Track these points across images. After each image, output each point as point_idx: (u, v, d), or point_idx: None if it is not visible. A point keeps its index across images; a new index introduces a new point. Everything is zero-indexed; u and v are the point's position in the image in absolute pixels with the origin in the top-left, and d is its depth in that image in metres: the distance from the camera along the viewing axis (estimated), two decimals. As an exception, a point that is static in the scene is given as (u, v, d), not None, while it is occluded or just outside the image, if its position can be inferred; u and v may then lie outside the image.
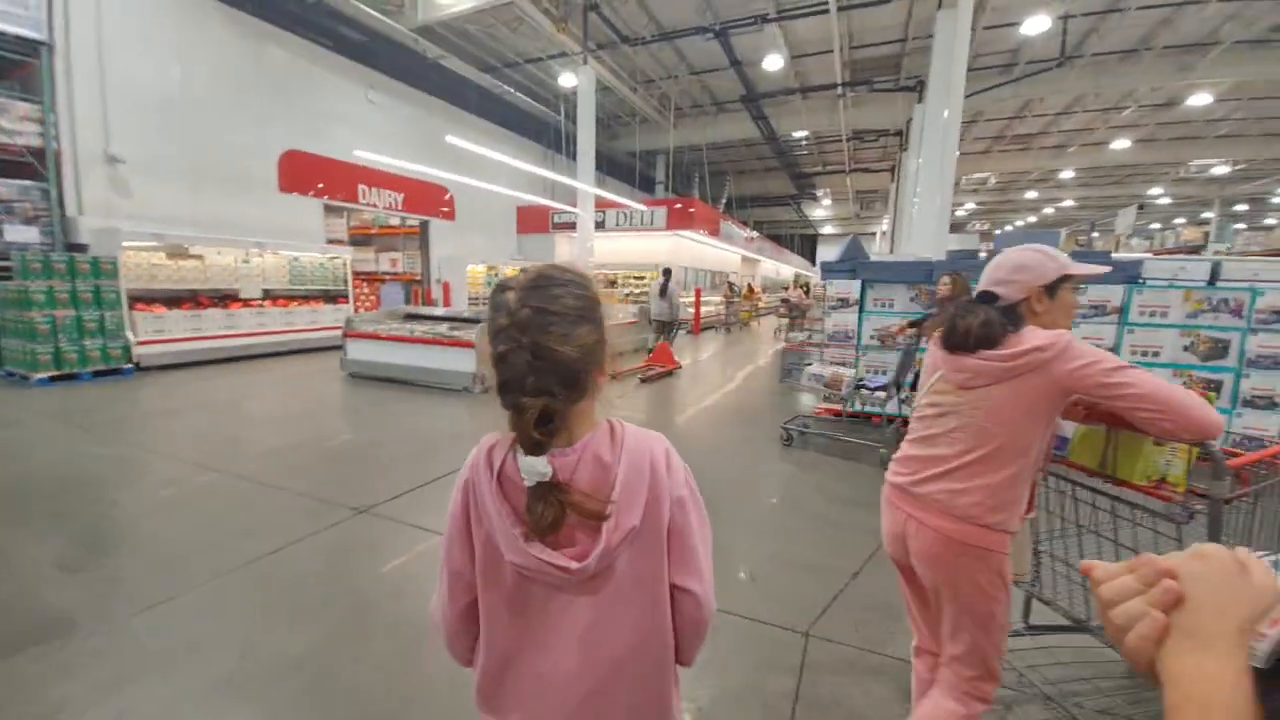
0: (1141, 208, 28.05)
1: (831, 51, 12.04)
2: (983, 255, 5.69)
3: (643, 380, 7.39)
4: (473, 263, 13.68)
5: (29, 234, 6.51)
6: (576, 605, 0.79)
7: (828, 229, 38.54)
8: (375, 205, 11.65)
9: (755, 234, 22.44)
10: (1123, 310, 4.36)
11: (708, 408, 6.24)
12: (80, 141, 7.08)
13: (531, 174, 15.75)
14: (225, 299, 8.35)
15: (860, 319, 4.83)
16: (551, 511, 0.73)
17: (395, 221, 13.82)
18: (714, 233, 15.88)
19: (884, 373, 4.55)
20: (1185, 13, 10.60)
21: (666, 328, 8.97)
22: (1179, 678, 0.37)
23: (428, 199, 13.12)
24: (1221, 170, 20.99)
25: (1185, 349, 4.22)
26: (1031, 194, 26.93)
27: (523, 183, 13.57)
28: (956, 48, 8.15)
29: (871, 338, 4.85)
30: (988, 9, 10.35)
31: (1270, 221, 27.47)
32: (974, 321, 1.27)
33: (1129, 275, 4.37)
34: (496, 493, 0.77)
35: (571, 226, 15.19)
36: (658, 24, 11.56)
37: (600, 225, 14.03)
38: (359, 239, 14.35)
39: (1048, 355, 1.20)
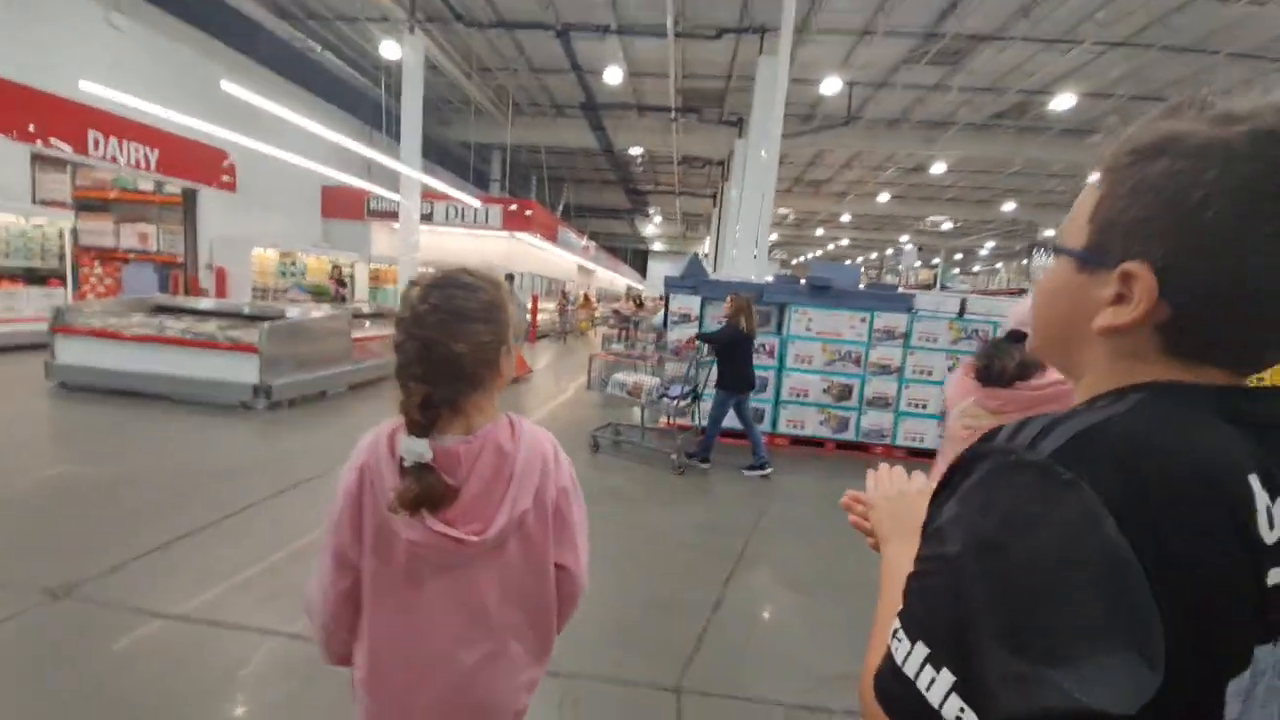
0: (894, 251, 34.92)
1: (667, 76, 12.66)
2: (769, 279, 6.33)
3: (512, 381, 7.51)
4: (262, 246, 11.41)
5: None
6: (466, 582, 0.85)
7: (657, 245, 40.81)
8: (115, 160, 8.98)
9: (593, 243, 22.66)
10: (906, 336, 5.15)
11: (539, 420, 5.91)
12: None
13: (343, 150, 13.78)
14: None
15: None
16: (414, 490, 0.77)
17: (148, 186, 10.84)
18: (552, 238, 15.58)
19: (679, 383, 4.76)
20: (934, 94, 13.29)
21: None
22: (883, 560, 0.63)
23: (196, 161, 10.54)
24: (947, 226, 26.92)
25: (949, 369, 5.11)
26: (820, 231, 31.76)
27: (332, 159, 11.71)
28: (775, 93, 9.07)
29: (666, 347, 5.02)
30: (796, 64, 11.81)
31: (977, 269, 36.25)
32: (1010, 363, 1.41)
33: (907, 307, 5.19)
34: (398, 474, 0.80)
35: (392, 215, 13.59)
36: (495, 9, 10.93)
37: (428, 218, 12.77)
38: (91, 203, 10.94)
39: (1067, 387, 1.34)
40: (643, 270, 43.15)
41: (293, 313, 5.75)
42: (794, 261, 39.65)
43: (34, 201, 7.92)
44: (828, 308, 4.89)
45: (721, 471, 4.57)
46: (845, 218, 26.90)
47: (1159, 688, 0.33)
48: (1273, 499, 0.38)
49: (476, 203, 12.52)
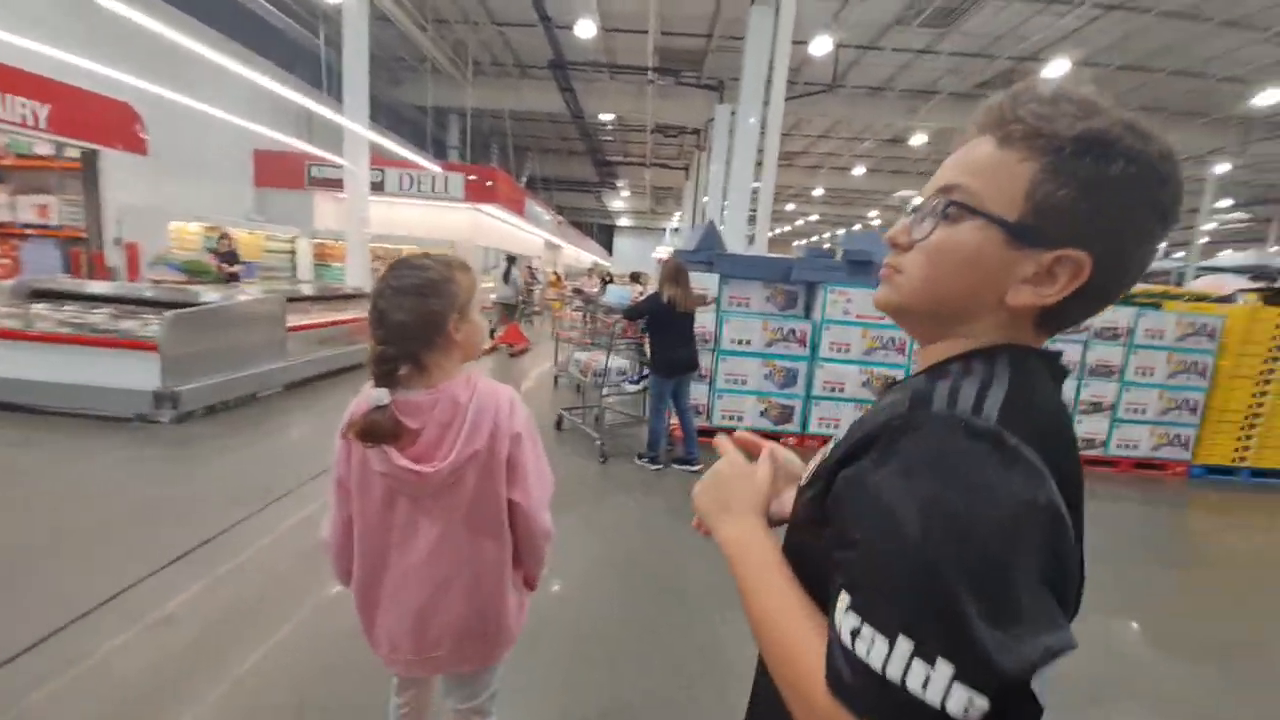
0: (861, 227, 34.81)
1: (644, 32, 11.58)
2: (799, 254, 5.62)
3: (511, 355, 8.81)
4: (182, 218, 9.89)
5: None
6: (433, 513, 1.05)
7: (624, 221, 39.54)
8: (-9, 116, 7.38)
9: (560, 218, 21.40)
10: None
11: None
12: None
13: (279, 110, 12.16)
14: None
15: (719, 320, 4.14)
16: (360, 425, 0.98)
17: (46, 150, 9.19)
18: (519, 211, 14.36)
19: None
20: (921, 59, 12.65)
21: (510, 309, 9.62)
22: (722, 545, 0.57)
23: (95, 116, 8.89)
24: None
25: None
26: (790, 206, 31.22)
27: (266, 120, 10.19)
28: (771, 49, 8.19)
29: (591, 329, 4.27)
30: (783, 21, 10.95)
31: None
32: None
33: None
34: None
35: (337, 184, 12.13)
36: (452, -51, 9.60)
37: (378, 187, 11.41)
38: (-21, 171, 9.21)
39: None
40: (609, 246, 42.01)
41: (210, 297, 4.64)
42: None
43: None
44: (869, 286, 4.15)
45: (676, 476, 3.88)
46: (818, 191, 26.39)
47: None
48: None
49: (436, 168, 11.20)
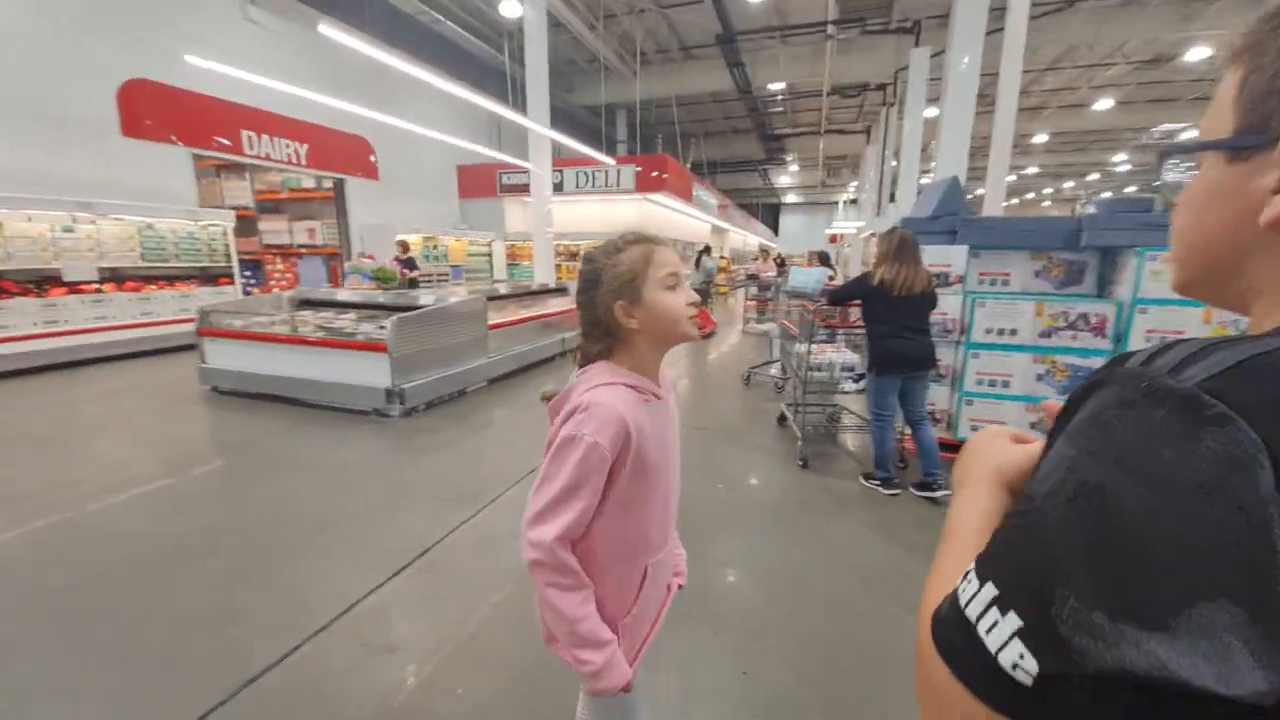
0: (1101, 176, 28.11)
1: (823, -18, 10.38)
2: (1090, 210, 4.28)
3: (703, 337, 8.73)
4: (404, 232, 11.43)
5: None
6: None
7: (791, 198, 37.33)
8: (268, 158, 9.19)
9: (727, 200, 20.76)
10: None
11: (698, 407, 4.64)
12: None
13: (473, 126, 13.50)
14: (42, 283, 6.04)
15: (970, 305, 3.24)
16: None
17: (310, 184, 11.35)
18: (686, 197, 14.09)
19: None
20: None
21: (704, 296, 10.31)
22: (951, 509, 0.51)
23: (341, 151, 10.69)
24: (1189, 134, 20.67)
25: None
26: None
27: (464, 135, 11.30)
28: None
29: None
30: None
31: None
32: None
33: None
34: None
35: (523, 189, 13.06)
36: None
37: (558, 187, 12.00)
38: (268, 205, 11.80)
39: None
40: (774, 226, 40.09)
41: (426, 300, 5.05)
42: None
43: (210, 205, 8.30)
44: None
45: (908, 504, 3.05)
46: (1039, 138, 21.80)
47: None
48: None
49: (611, 161, 11.39)
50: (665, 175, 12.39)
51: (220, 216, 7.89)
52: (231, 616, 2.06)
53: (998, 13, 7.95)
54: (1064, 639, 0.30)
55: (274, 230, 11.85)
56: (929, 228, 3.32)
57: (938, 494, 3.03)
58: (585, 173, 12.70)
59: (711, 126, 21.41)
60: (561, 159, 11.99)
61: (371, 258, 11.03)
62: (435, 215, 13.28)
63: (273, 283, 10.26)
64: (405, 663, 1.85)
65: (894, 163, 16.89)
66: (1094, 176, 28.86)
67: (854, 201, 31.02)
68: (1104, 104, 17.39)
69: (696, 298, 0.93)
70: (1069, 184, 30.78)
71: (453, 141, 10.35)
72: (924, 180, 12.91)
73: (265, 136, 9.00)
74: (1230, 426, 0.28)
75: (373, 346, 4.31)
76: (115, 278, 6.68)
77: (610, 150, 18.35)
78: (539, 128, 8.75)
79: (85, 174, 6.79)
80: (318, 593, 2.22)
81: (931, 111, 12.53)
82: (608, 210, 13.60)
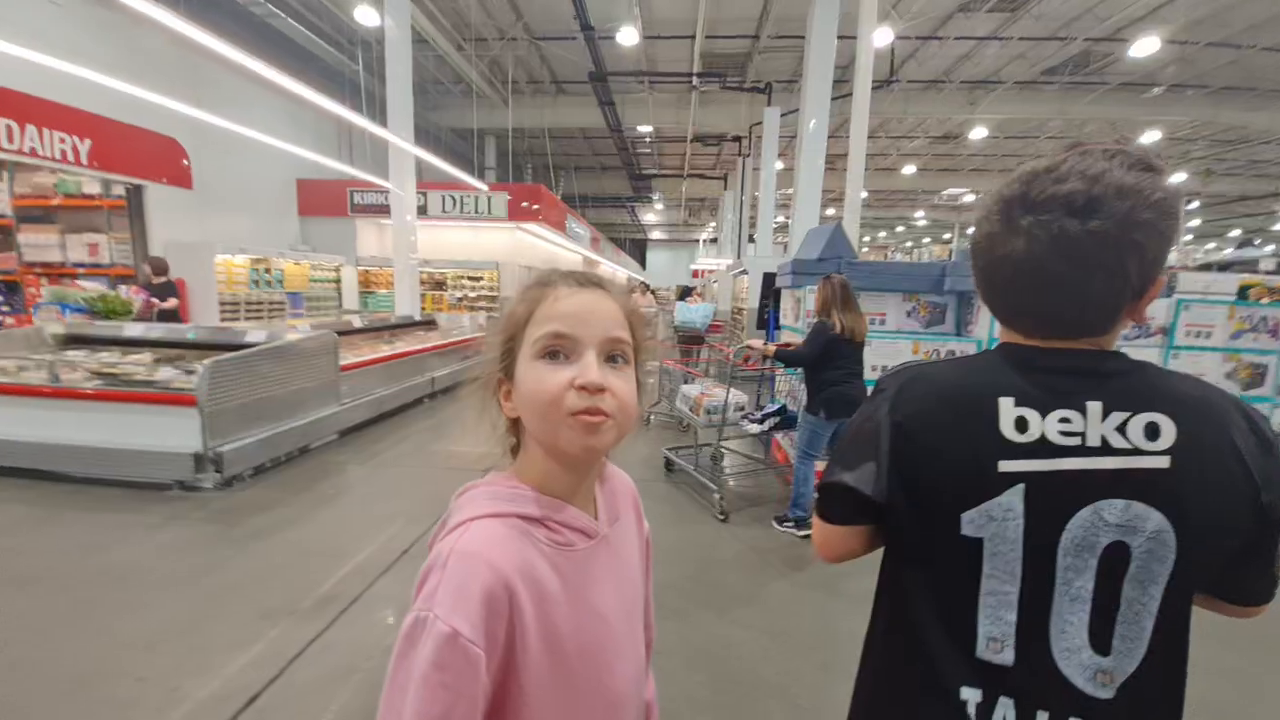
0: (903, 229, 33.52)
1: (688, 37, 11.06)
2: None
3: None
4: (225, 252, 9.68)
5: None
6: None
7: (656, 234, 39.14)
8: (33, 153, 7.22)
9: (598, 234, 20.99)
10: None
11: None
12: None
13: (319, 137, 12.07)
14: None
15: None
16: None
17: (95, 189, 9.14)
18: (560, 228, 13.90)
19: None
20: (986, 47, 11.76)
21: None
22: None
23: (140, 151, 8.77)
24: (968, 198, 25.43)
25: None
26: (830, 210, 30.23)
27: (307, 146, 9.96)
28: (859, 41, 7.51)
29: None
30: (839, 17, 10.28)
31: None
32: None
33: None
34: None
35: (380, 210, 11.86)
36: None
37: (422, 211, 11.07)
38: (33, 214, 9.22)
39: None
40: (641, 260, 41.61)
41: (254, 337, 4.13)
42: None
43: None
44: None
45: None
46: (860, 195, 25.35)
47: (916, 492, 0.64)
48: (1043, 413, 0.60)
49: (483, 186, 10.78)
50: (538, 205, 12.10)
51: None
52: None
53: (839, 84, 9.05)
54: (829, 475, 0.71)
55: (40, 245, 9.32)
56: (815, 269, 3.44)
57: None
58: (453, 197, 11.94)
59: (582, 161, 21.68)
60: (425, 181, 11.13)
61: (179, 283, 9.17)
62: (268, 234, 11.49)
63: (34, 311, 7.90)
64: None
65: (750, 208, 18.47)
66: (899, 229, 34.23)
67: (714, 240, 33.30)
68: (908, 169, 20.78)
69: (594, 377, 0.54)
70: (881, 234, 36.27)
71: (293, 150, 9.05)
72: (775, 224, 14.20)
73: (30, 126, 7.06)
74: (882, 392, 0.69)
75: (175, 399, 3.35)
76: None
77: (479, 176, 17.62)
78: (403, 143, 8.00)
79: None
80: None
81: (779, 164, 13.92)
82: (478, 238, 12.90)
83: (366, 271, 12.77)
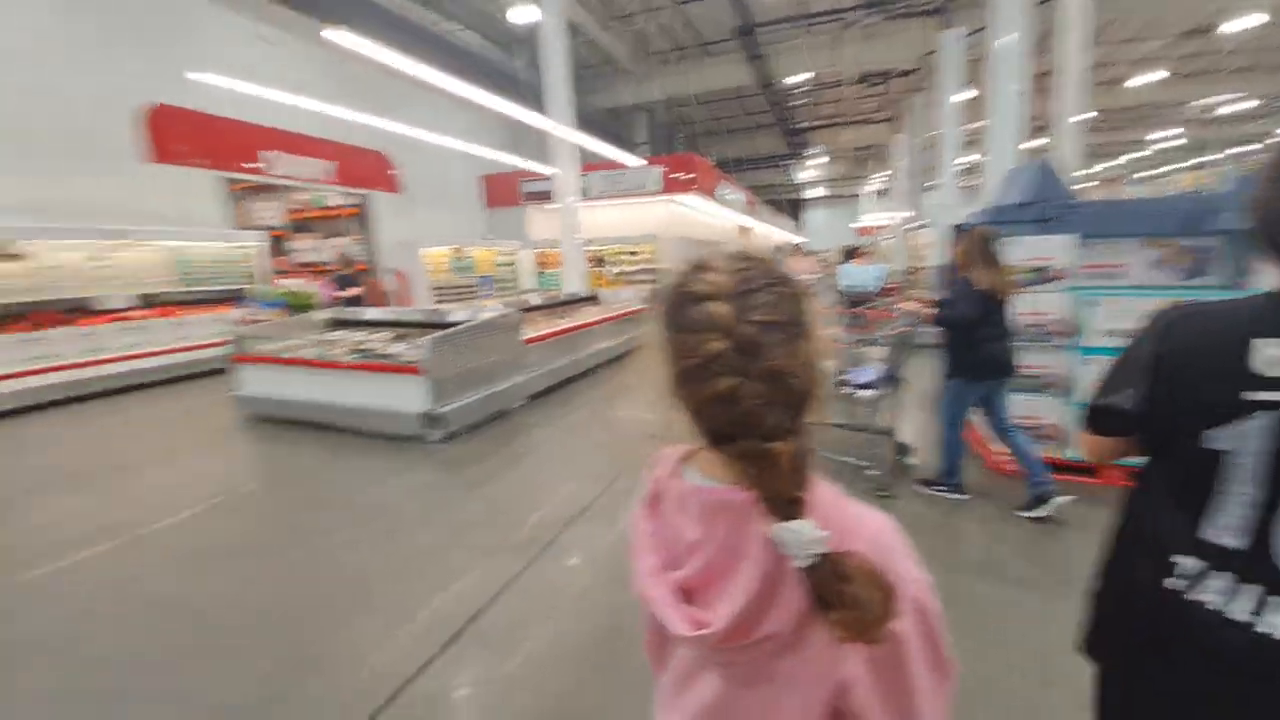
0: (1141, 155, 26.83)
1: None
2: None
3: None
4: (430, 245, 11.32)
5: None
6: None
7: (814, 192, 36.67)
8: (293, 178, 9.14)
9: (754, 197, 20.34)
10: None
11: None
12: None
13: (493, 135, 13.36)
14: (75, 311, 6.02)
15: (1077, 303, 2.88)
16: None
17: (337, 201, 11.37)
18: (713, 195, 13.75)
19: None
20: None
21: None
22: None
23: (366, 166, 10.63)
24: (1235, 108, 19.49)
25: None
26: (1036, 144, 25.37)
27: (484, 145, 11.16)
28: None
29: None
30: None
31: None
32: None
33: None
34: (643, 510, 0.64)
35: (544, 197, 12.87)
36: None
37: (583, 193, 11.76)
38: (299, 224, 11.86)
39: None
40: (798, 222, 39.39)
41: (458, 316, 4.84)
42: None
43: (244, 227, 8.23)
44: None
45: (985, 508, 2.78)
46: (1071, 119, 20.88)
47: (1169, 413, 0.81)
48: None
49: (640, 162, 11.04)
50: (693, 175, 12.08)
51: (252, 238, 7.85)
52: (278, 699, 1.84)
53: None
54: (1097, 397, 0.90)
55: (304, 249, 11.90)
56: (1017, 216, 2.96)
57: (1047, 509, 2.68)
58: (609, 176, 12.47)
59: (734, 123, 21.04)
60: (585, 163, 11.78)
61: (401, 274, 10.98)
62: (463, 226, 13.21)
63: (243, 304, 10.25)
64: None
65: (925, 150, 16.33)
66: (1128, 157, 27.64)
67: (882, 193, 30.20)
68: (1141, 79, 16.51)
69: None
70: (1106, 164, 29.51)
71: (473, 150, 10.23)
72: (958, 166, 12.36)
73: (291, 156, 8.95)
74: (1149, 329, 0.86)
75: (407, 369, 4.10)
76: (150, 303, 6.65)
77: (631, 153, 18.11)
78: (565, 132, 8.53)
79: (114, 201, 6.78)
80: (365, 668, 1.97)
81: (963, 95, 11.99)
82: (634, 213, 13.34)
83: (540, 252, 14.03)
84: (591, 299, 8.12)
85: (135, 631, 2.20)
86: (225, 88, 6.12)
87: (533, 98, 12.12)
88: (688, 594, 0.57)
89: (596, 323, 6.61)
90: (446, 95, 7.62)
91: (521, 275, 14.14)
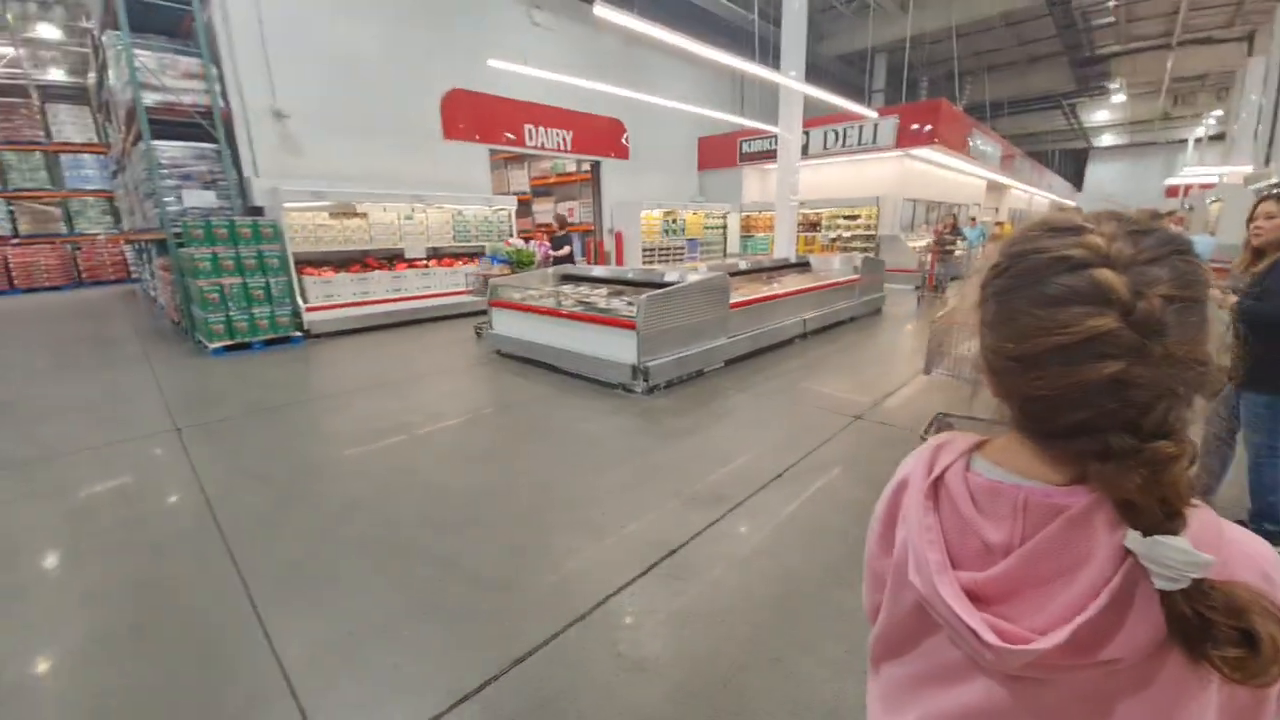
0: None
1: None
2: None
3: None
4: (647, 207, 11.93)
5: (206, 198, 6.37)
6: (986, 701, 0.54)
7: (1106, 139, 28.91)
8: (542, 147, 10.38)
9: (1013, 150, 16.88)
10: None
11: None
12: (247, 98, 6.74)
13: (717, 95, 13.29)
14: (391, 259, 7.84)
15: None
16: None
17: (572, 168, 12.68)
18: (960, 149, 11.76)
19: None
20: None
21: None
22: None
23: (599, 135, 11.55)
24: None
25: None
26: None
27: (709, 106, 11.17)
28: None
29: None
30: None
31: None
32: None
33: None
34: (925, 501, 0.58)
35: (766, 156, 12.45)
36: None
37: (804, 150, 11.08)
38: (539, 190, 13.60)
39: None
40: (1078, 179, 31.74)
41: (670, 277, 5.05)
42: None
43: (499, 193, 9.77)
44: None
45: None
46: None
47: None
48: None
49: (871, 113, 9.96)
50: (934, 126, 10.46)
51: (506, 202, 9.22)
52: (509, 584, 2.24)
53: None
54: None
55: (543, 211, 13.62)
56: None
57: None
58: (835, 131, 11.49)
59: (1000, 58, 17.54)
60: (809, 118, 11.04)
61: (618, 234, 11.82)
62: (676, 189, 13.61)
63: (539, 260, 11.85)
64: (654, 689, 1.73)
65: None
66: None
67: (1218, 137, 22.64)
68: None
69: None
70: None
71: (698, 111, 10.35)
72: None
73: (541, 128, 10.17)
74: None
75: (623, 323, 4.45)
76: (436, 255, 8.33)
77: (866, 104, 16.31)
78: (793, 82, 8.06)
79: (419, 172, 8.54)
80: (575, 575, 2.27)
81: None
82: (856, 172, 12.17)
83: (748, 217, 13.78)
84: (803, 265, 7.73)
85: (417, 505, 2.87)
86: (511, 71, 7.25)
87: (764, 52, 11.66)
88: (974, 599, 0.52)
89: (804, 290, 6.29)
90: (675, 57, 7.77)
91: (729, 239, 14.08)
